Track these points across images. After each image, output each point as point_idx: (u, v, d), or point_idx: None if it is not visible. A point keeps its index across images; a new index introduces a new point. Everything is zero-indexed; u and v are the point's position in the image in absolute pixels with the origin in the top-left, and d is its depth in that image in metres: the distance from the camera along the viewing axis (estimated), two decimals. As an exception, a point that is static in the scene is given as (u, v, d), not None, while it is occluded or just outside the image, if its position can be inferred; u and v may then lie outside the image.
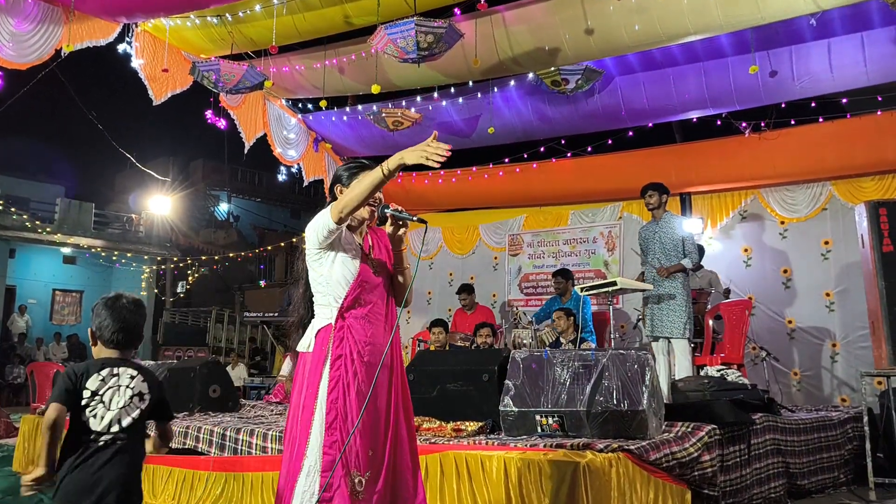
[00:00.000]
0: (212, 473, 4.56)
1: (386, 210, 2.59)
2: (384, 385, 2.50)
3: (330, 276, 2.54)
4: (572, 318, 7.13)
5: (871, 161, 7.56)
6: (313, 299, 2.62)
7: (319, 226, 2.50)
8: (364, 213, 2.60)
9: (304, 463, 2.39)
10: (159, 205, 20.35)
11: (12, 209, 17.64)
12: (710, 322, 7.25)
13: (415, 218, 2.60)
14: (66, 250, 20.17)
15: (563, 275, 8.07)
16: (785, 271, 8.03)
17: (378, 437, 2.45)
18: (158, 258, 20.99)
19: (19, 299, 19.52)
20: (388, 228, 2.64)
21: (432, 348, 7.47)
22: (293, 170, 9.71)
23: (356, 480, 2.36)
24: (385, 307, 2.61)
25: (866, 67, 6.77)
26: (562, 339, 7.08)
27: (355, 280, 2.53)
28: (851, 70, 6.87)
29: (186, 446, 5.03)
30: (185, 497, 4.64)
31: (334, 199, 2.59)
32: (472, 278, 10.03)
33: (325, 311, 2.55)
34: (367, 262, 2.60)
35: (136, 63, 7.23)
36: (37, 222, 18.26)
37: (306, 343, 2.55)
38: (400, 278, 2.69)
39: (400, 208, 2.60)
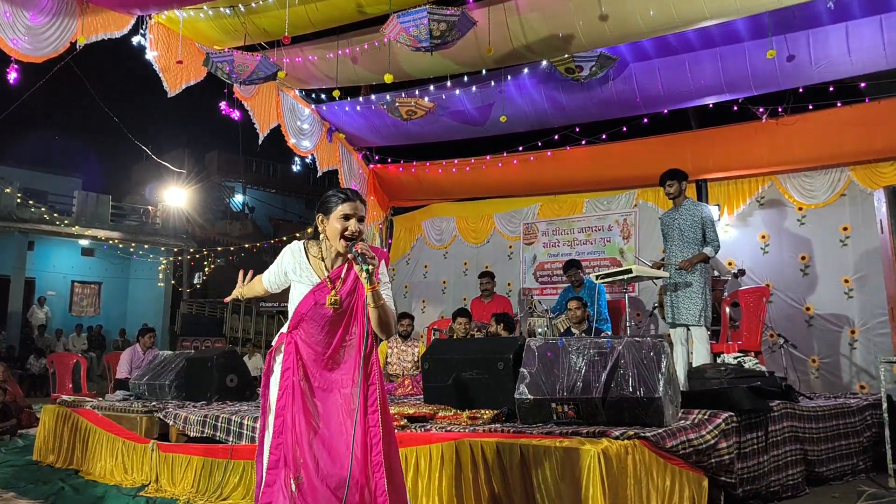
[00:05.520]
0: (230, 461, 4.62)
1: (350, 250, 2.55)
2: (329, 404, 2.63)
3: (290, 294, 2.76)
4: (586, 307, 7.13)
5: (891, 146, 7.45)
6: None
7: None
8: (339, 246, 2.62)
9: (262, 460, 2.65)
10: (175, 196, 20.56)
11: (30, 202, 17.84)
12: (728, 309, 7.22)
13: (368, 268, 2.48)
14: (85, 242, 20.38)
15: (577, 266, 8.05)
16: (803, 258, 7.96)
17: (313, 445, 2.58)
18: (175, 249, 21.16)
19: (38, 291, 19.78)
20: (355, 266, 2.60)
21: (456, 336, 7.48)
22: (307, 160, 9.72)
23: (292, 480, 2.55)
24: (332, 337, 2.68)
25: (885, 51, 6.66)
26: (574, 330, 7.04)
27: (297, 308, 2.69)
28: (870, 54, 6.76)
29: (205, 435, 5.08)
30: (204, 484, 4.70)
31: (315, 226, 2.73)
32: (486, 267, 10.04)
33: (286, 320, 2.77)
34: (318, 294, 2.65)
35: (150, 55, 7.25)
36: (55, 215, 18.45)
37: (275, 338, 2.79)
38: (371, 313, 2.59)
39: (363, 253, 2.51)
